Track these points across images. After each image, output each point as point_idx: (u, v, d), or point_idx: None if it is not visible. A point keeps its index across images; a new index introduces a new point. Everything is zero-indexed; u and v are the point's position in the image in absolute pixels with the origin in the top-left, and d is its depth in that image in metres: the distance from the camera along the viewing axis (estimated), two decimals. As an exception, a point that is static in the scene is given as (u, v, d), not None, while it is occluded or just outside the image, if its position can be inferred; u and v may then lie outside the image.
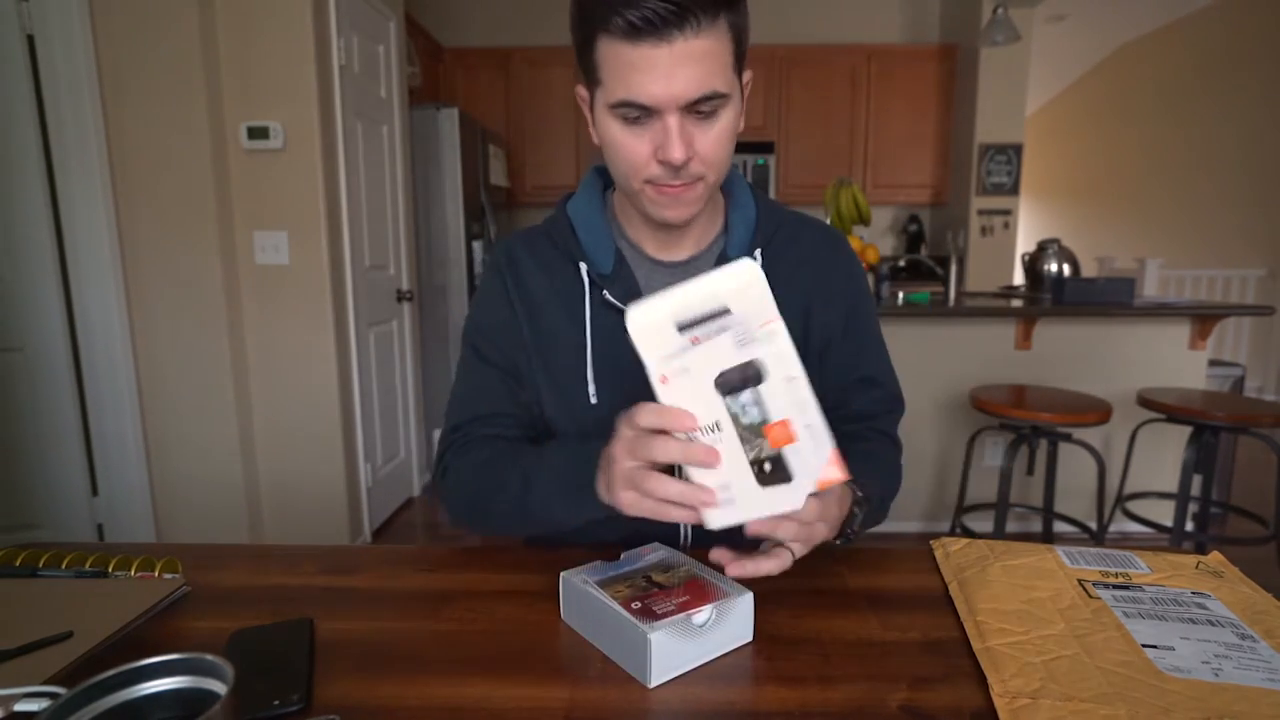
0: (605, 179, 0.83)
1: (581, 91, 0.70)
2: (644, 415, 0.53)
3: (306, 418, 2.35)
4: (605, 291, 0.75)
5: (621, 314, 0.74)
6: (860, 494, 0.67)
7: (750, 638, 0.58)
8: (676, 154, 0.63)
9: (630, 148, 0.65)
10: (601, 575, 0.61)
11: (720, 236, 0.80)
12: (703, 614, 0.55)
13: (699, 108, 0.62)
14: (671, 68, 0.60)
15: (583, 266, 0.77)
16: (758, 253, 0.78)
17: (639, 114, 0.63)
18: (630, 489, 0.55)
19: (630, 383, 0.76)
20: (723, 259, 0.77)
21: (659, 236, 0.78)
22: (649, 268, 0.79)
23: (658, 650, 0.52)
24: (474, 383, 0.80)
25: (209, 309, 2.18)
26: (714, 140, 0.65)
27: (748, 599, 0.57)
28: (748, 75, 0.69)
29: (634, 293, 0.76)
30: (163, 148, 2.09)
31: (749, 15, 0.65)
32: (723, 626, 0.56)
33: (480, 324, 0.81)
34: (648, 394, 0.75)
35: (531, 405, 0.80)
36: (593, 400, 0.76)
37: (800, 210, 0.86)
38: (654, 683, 0.52)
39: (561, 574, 0.62)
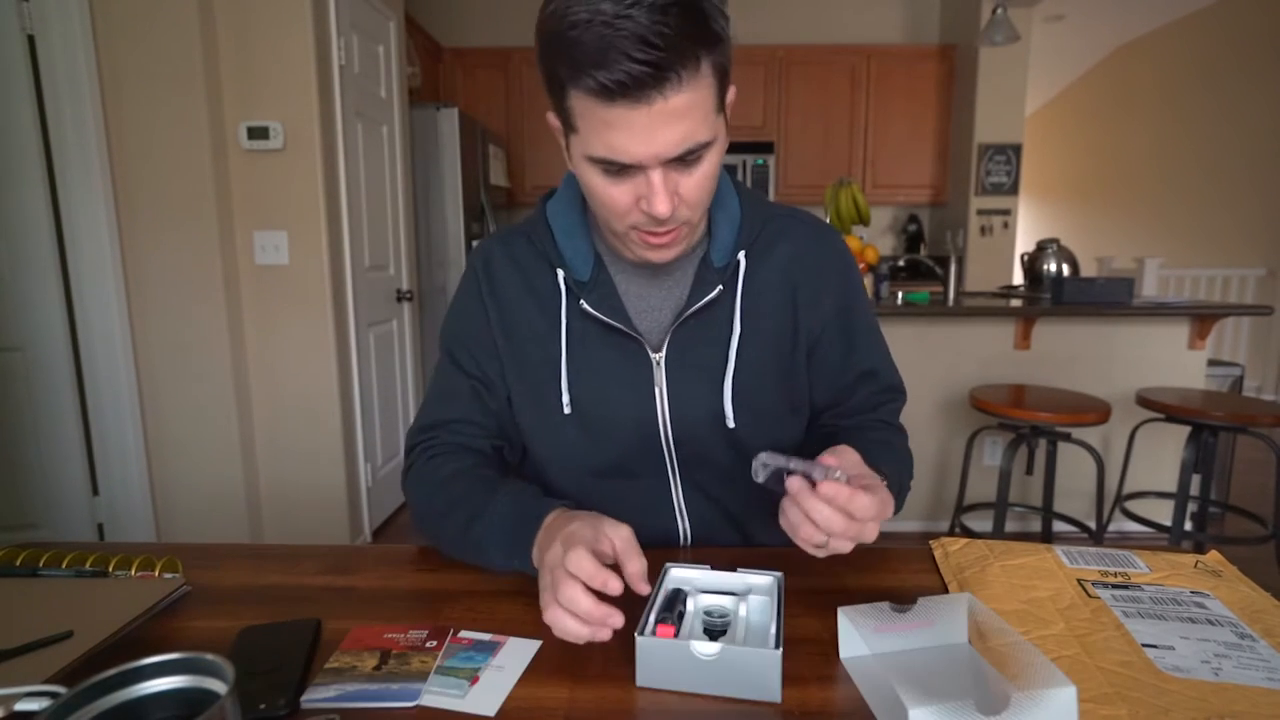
0: None
1: (554, 121, 0.66)
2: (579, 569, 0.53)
3: (306, 418, 2.35)
4: (582, 301, 0.73)
5: (598, 323, 0.74)
6: (886, 479, 0.67)
7: (778, 698, 0.51)
8: (661, 209, 0.60)
9: (611, 197, 0.63)
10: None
11: (704, 238, 0.78)
12: (708, 649, 0.51)
13: (684, 159, 0.60)
14: (651, 128, 0.57)
15: (560, 273, 0.75)
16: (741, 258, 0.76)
17: (619, 168, 0.60)
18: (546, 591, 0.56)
19: (603, 393, 0.75)
20: (705, 263, 0.75)
21: None
22: (629, 272, 0.77)
23: (652, 663, 0.52)
24: (445, 387, 0.80)
25: (209, 309, 2.18)
26: (697, 184, 0.63)
27: (772, 656, 0.51)
28: (731, 93, 0.66)
29: (612, 300, 0.74)
30: (163, 148, 2.09)
31: (731, 41, 0.61)
32: (735, 672, 0.51)
33: (455, 330, 0.81)
34: (623, 403, 0.76)
35: (500, 413, 0.79)
36: (566, 410, 0.75)
37: (795, 207, 0.84)
38: (640, 683, 0.53)
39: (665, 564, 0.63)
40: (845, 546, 0.57)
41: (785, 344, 0.77)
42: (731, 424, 0.75)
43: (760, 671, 0.51)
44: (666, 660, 0.52)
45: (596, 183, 0.63)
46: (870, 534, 0.56)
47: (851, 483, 0.56)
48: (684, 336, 0.74)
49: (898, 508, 0.76)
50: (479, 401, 0.79)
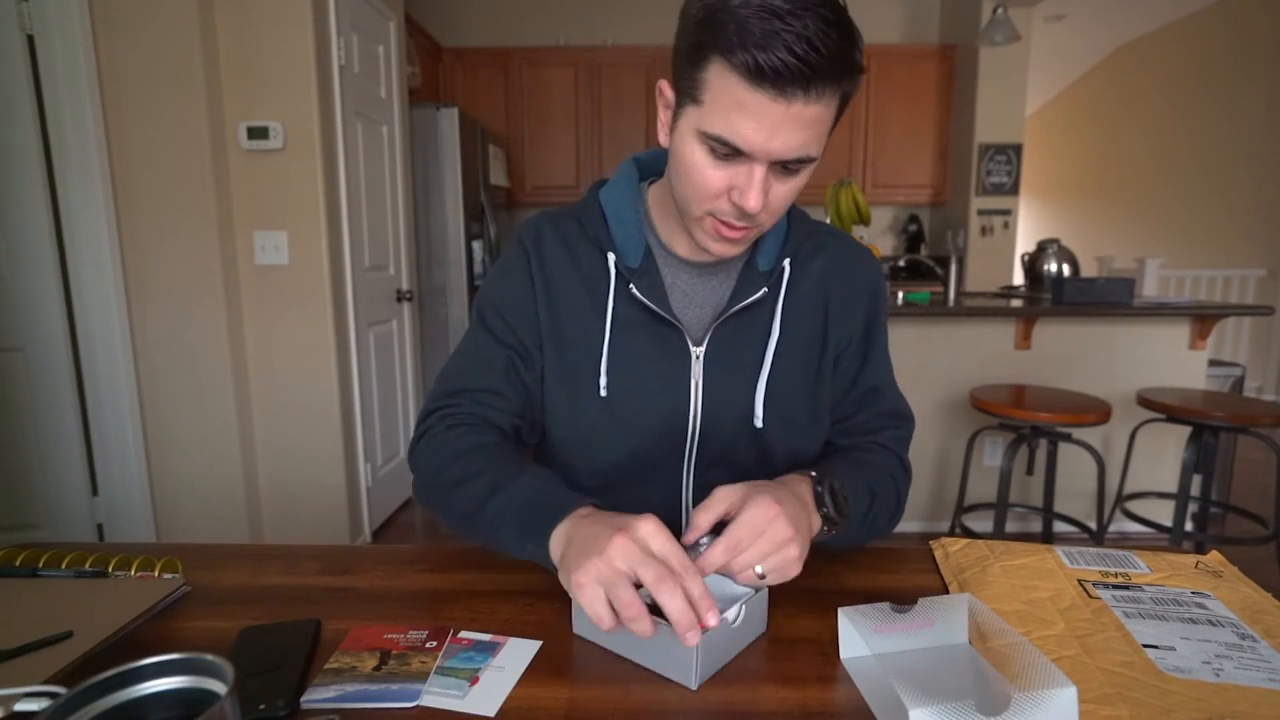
0: (641, 170, 0.82)
1: (667, 91, 0.66)
2: (665, 546, 0.52)
3: (306, 418, 2.35)
4: (632, 286, 0.74)
5: (644, 309, 0.75)
6: (819, 487, 0.66)
7: (764, 629, 0.60)
8: (752, 203, 0.62)
9: (707, 177, 0.64)
10: None
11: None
12: (733, 611, 0.55)
13: (787, 166, 0.62)
14: (778, 125, 0.59)
15: (610, 257, 0.76)
16: (777, 318, 0.77)
17: (729, 152, 0.61)
18: (597, 585, 0.51)
19: (640, 381, 0.76)
20: (749, 265, 0.77)
21: (691, 241, 0.76)
22: (675, 266, 0.79)
23: (705, 654, 0.52)
24: (476, 355, 0.78)
25: (209, 309, 2.18)
26: (786, 193, 0.65)
27: (764, 594, 0.59)
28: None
29: (659, 291, 0.75)
30: (163, 148, 2.09)
31: (859, 81, 0.64)
32: (747, 624, 0.57)
33: (495, 298, 0.79)
34: (658, 393, 0.76)
35: (531, 388, 0.78)
36: (603, 393, 0.76)
37: (835, 227, 0.86)
38: (697, 684, 0.53)
39: None
40: (773, 577, 0.57)
41: (815, 352, 0.79)
42: (760, 423, 0.76)
43: (758, 611, 0.59)
44: (714, 647, 0.54)
45: (698, 160, 0.63)
46: (780, 550, 0.56)
47: (731, 513, 0.58)
48: (725, 334, 0.76)
49: (870, 534, 0.74)
50: (510, 373, 0.77)
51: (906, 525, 2.72)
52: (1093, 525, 2.54)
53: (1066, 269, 2.95)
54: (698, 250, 0.77)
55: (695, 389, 0.76)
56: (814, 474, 0.67)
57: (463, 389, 0.77)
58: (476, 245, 3.38)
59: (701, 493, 0.79)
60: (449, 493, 0.70)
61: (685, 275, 0.79)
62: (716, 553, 0.55)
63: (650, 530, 0.53)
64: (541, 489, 0.64)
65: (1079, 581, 0.66)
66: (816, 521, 0.64)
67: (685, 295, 0.78)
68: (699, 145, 0.63)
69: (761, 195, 0.62)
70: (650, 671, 0.54)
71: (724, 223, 0.67)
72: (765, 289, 0.76)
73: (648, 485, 0.79)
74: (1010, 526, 2.51)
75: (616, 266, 0.76)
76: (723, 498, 0.59)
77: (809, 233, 0.81)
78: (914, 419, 0.85)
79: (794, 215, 0.81)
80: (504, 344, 0.77)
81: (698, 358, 0.76)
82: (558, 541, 0.58)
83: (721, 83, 0.59)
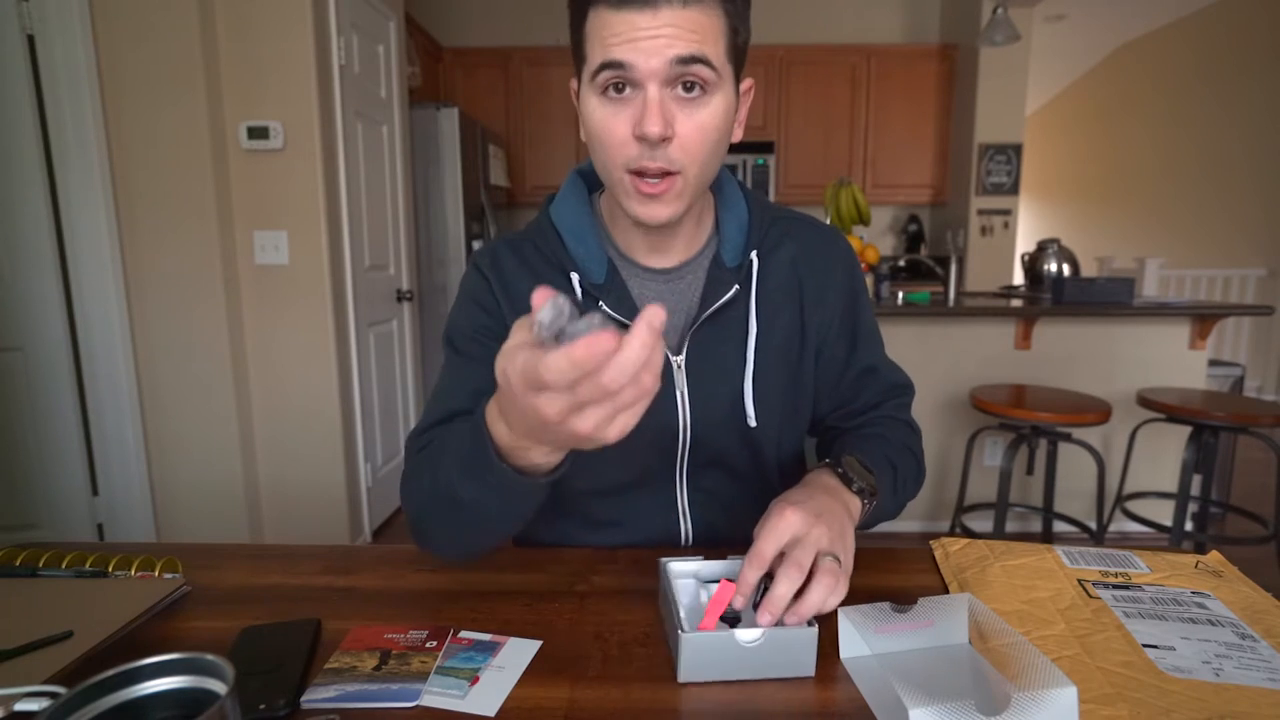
0: (588, 182, 0.80)
1: (573, 84, 0.68)
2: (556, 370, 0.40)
3: (306, 417, 2.35)
4: (601, 303, 0.72)
5: (617, 325, 0.72)
6: (839, 469, 0.67)
7: (811, 672, 0.54)
8: (653, 126, 0.60)
9: (609, 126, 0.62)
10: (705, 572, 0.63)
11: (712, 239, 0.78)
12: (750, 635, 0.53)
13: (683, 78, 0.60)
14: (654, 36, 0.58)
15: (574, 277, 0.73)
16: (752, 309, 0.76)
17: (618, 78, 0.60)
18: (569, 440, 0.45)
19: None
20: (716, 262, 0.75)
21: (649, 240, 0.74)
22: (641, 276, 0.76)
23: (694, 654, 0.52)
24: (446, 385, 0.75)
25: (209, 309, 2.18)
26: (696, 127, 0.62)
27: (813, 634, 0.54)
28: (747, 83, 0.68)
29: (628, 304, 0.72)
30: (163, 148, 2.09)
31: (748, 19, 0.64)
32: (775, 653, 0.53)
33: (460, 323, 0.77)
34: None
35: None
36: None
37: (797, 209, 0.85)
38: (682, 679, 0.53)
39: (660, 560, 0.63)
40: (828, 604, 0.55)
41: (795, 342, 0.78)
42: (753, 423, 0.75)
43: (799, 649, 0.54)
44: (711, 653, 0.53)
45: (597, 116, 0.63)
46: (836, 591, 0.55)
47: (782, 562, 0.55)
48: (702, 338, 0.74)
49: (901, 502, 0.77)
50: (485, 395, 0.75)
51: (907, 525, 2.73)
52: (1093, 525, 2.54)
53: (1066, 269, 2.95)
54: (657, 253, 0.75)
55: (681, 399, 0.74)
56: (828, 460, 0.68)
57: (434, 422, 0.73)
58: (476, 245, 3.38)
59: (697, 495, 0.79)
60: (414, 505, 0.66)
61: (652, 283, 0.76)
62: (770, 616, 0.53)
63: (538, 404, 0.43)
64: (465, 432, 0.58)
65: (1079, 581, 0.66)
66: (855, 504, 0.64)
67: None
68: (594, 96, 0.63)
69: (660, 118, 0.60)
70: (650, 672, 0.54)
71: (638, 173, 0.64)
72: (736, 286, 0.73)
73: (642, 493, 0.78)
74: (1010, 526, 2.51)
75: (582, 285, 0.73)
76: (771, 537, 0.56)
77: (772, 220, 0.79)
78: (913, 385, 0.85)
79: (754, 205, 0.78)
80: (477, 361, 0.74)
81: (679, 366, 0.74)
82: (506, 448, 0.53)
83: (595, 26, 0.61)
